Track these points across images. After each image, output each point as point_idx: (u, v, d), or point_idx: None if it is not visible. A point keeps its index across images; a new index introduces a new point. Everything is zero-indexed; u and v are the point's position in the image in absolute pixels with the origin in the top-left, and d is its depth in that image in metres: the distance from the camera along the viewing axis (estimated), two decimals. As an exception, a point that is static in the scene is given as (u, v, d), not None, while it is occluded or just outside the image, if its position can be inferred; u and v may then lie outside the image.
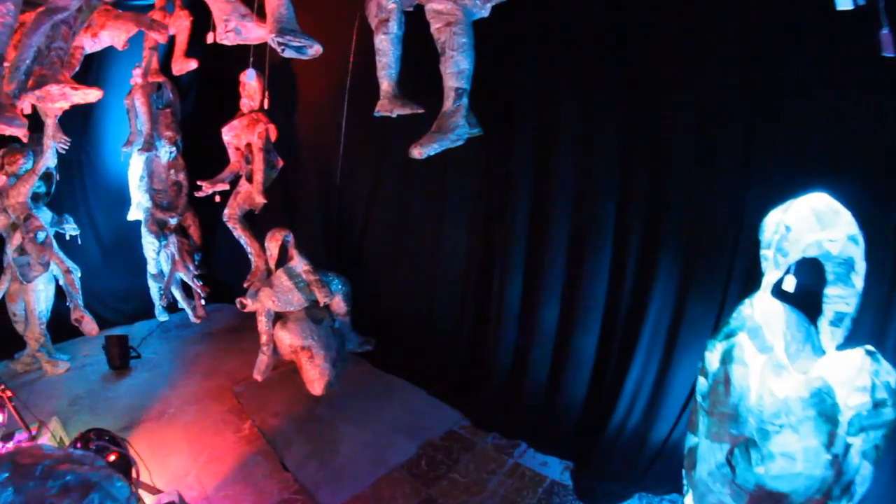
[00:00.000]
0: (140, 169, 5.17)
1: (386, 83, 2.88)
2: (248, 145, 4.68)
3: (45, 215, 4.83)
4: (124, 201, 5.37)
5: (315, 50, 3.13)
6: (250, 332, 4.97)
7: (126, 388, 4.79)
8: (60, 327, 5.28)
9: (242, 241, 4.84)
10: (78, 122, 5.30)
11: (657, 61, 2.91)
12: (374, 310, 4.84)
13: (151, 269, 5.42)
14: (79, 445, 2.37)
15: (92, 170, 5.57)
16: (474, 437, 3.71)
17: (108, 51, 4.89)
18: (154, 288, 5.50)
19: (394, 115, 2.88)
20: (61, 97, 3.16)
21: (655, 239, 3.01)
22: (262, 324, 4.08)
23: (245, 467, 3.50)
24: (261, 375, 4.16)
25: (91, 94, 3.28)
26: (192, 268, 5.32)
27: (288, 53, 3.09)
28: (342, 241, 5.17)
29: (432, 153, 2.71)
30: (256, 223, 4.97)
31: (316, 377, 3.91)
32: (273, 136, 4.74)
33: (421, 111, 2.86)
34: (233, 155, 4.81)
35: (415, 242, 4.49)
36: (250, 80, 4.58)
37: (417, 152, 2.69)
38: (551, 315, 3.49)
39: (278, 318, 4.13)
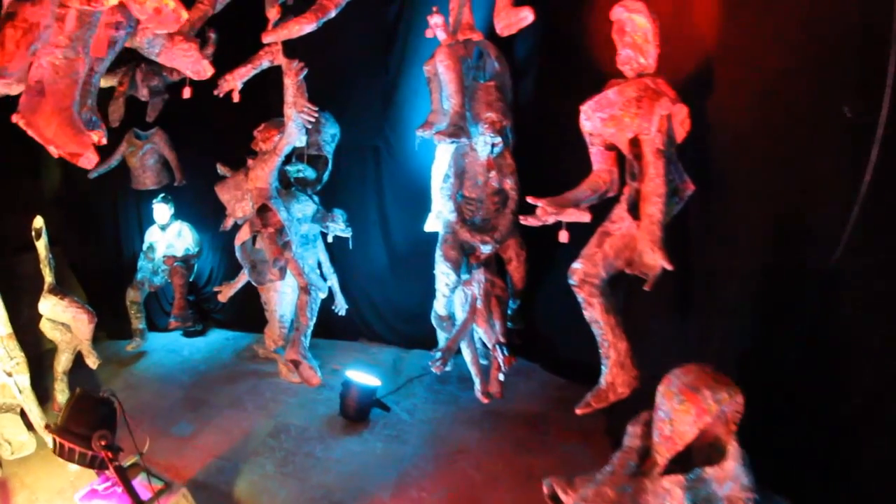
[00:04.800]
0: (446, 165, 3.46)
1: None
2: (635, 142, 2.26)
3: (306, 207, 4.06)
4: (426, 204, 3.87)
5: None
6: (562, 438, 3.42)
7: (341, 454, 3.53)
8: (325, 324, 4.61)
9: (596, 330, 2.50)
10: (376, 101, 4.41)
11: None
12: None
13: (439, 308, 3.73)
14: None
15: (391, 160, 4.49)
16: None
17: (418, 14, 3.84)
18: (440, 335, 3.89)
19: None
20: None
21: None
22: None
23: None
24: None
25: None
26: (498, 325, 3.38)
27: None
28: (816, 397, 1.92)
29: None
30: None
31: None
32: (682, 131, 2.22)
33: None
34: (599, 158, 2.51)
35: None
36: (635, 17, 2.17)
37: None
38: None
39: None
